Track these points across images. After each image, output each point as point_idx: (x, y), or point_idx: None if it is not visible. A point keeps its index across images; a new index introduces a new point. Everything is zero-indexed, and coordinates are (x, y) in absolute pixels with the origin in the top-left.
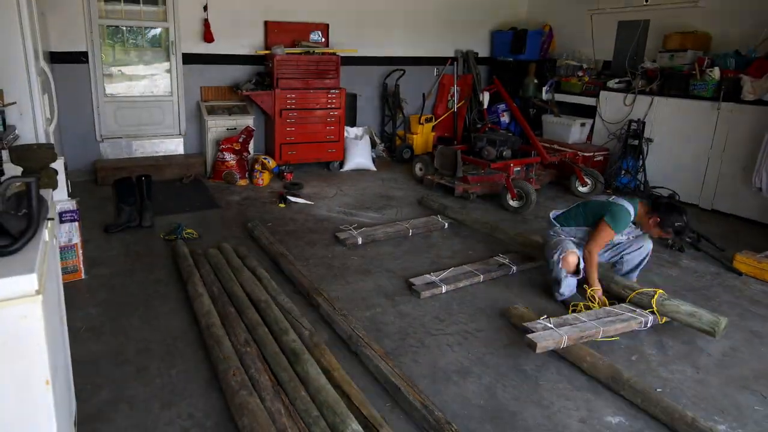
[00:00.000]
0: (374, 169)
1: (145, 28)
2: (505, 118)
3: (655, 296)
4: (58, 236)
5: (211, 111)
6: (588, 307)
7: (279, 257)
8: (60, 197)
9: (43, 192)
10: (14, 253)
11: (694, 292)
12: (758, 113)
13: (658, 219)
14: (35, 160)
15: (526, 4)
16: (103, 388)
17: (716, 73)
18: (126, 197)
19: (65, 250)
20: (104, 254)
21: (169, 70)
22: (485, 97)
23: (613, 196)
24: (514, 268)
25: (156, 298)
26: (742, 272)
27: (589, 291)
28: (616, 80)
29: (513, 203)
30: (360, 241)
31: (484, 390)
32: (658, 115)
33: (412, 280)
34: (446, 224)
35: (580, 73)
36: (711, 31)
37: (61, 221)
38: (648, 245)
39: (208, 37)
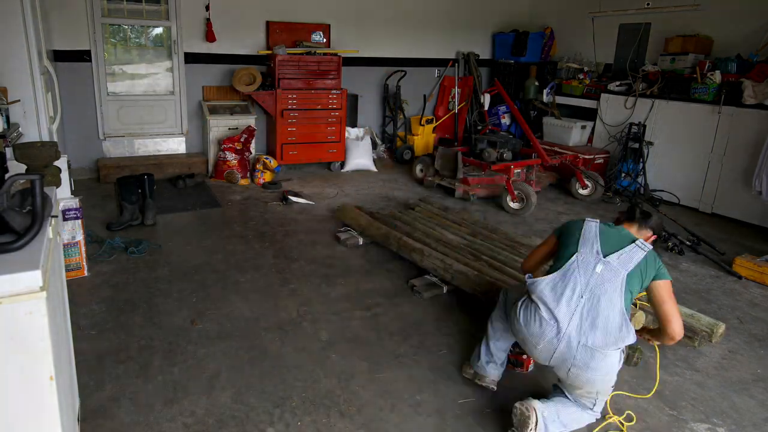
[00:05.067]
0: (375, 170)
1: (148, 27)
2: (505, 120)
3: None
4: (61, 233)
5: (213, 110)
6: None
7: None
8: (63, 195)
9: (47, 189)
10: (19, 249)
11: (694, 295)
12: (759, 117)
13: (655, 237)
14: (39, 158)
15: (527, 7)
16: (105, 384)
17: (717, 76)
18: (128, 195)
19: (68, 248)
20: (107, 252)
21: (171, 69)
22: (486, 99)
23: (636, 244)
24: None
25: (158, 296)
26: (742, 276)
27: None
28: (617, 83)
29: (513, 205)
30: (360, 241)
31: (484, 390)
32: (659, 118)
33: (412, 280)
34: None
35: (581, 76)
36: (712, 34)
37: (65, 219)
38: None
39: (210, 36)
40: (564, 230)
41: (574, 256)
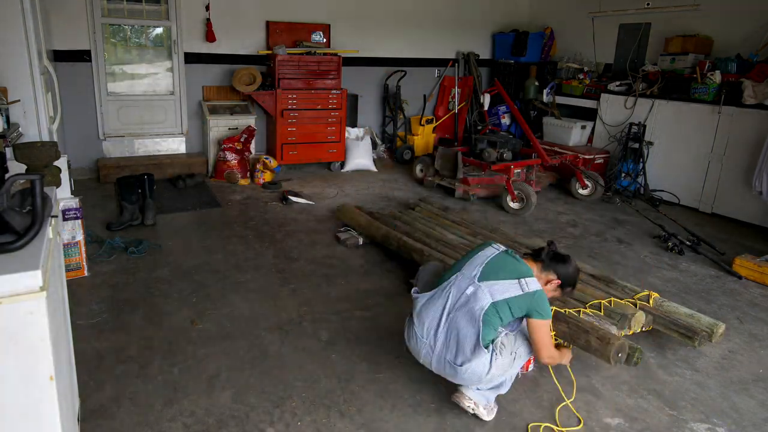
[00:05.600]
0: (375, 170)
1: (148, 27)
2: (505, 120)
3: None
4: (61, 233)
5: (213, 110)
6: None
7: None
8: (63, 195)
9: (47, 189)
10: (19, 249)
11: (694, 295)
12: (759, 117)
13: (559, 282)
14: (39, 158)
15: (527, 7)
16: (105, 384)
17: (717, 76)
18: (128, 195)
19: (68, 248)
20: (107, 252)
21: (171, 69)
22: (486, 99)
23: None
24: None
25: (158, 296)
26: (742, 276)
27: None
28: (617, 83)
29: (513, 205)
30: (360, 241)
31: None
32: (659, 118)
33: (413, 280)
34: None
35: (581, 76)
36: (712, 34)
37: (65, 219)
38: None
39: (210, 36)
40: (471, 248)
41: (455, 276)
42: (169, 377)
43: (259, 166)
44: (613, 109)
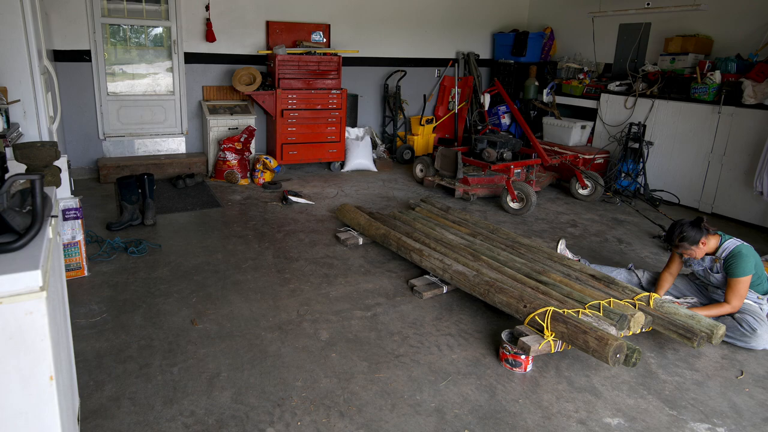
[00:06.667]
0: (375, 169)
1: (148, 27)
2: (505, 120)
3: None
4: (61, 233)
5: (213, 110)
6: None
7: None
8: (63, 195)
9: (47, 189)
10: (19, 249)
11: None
12: (759, 117)
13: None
14: (39, 158)
15: (527, 7)
16: (105, 384)
17: (717, 76)
18: (128, 195)
19: (68, 248)
20: (107, 252)
21: (171, 69)
22: (486, 99)
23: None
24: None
25: (158, 296)
26: None
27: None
28: (617, 83)
29: (513, 205)
30: (361, 241)
31: (484, 390)
32: (659, 118)
33: (412, 280)
34: None
35: (581, 76)
36: (712, 34)
37: (65, 219)
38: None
39: (210, 36)
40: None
41: None
42: (169, 377)
43: (259, 166)
44: (613, 109)
